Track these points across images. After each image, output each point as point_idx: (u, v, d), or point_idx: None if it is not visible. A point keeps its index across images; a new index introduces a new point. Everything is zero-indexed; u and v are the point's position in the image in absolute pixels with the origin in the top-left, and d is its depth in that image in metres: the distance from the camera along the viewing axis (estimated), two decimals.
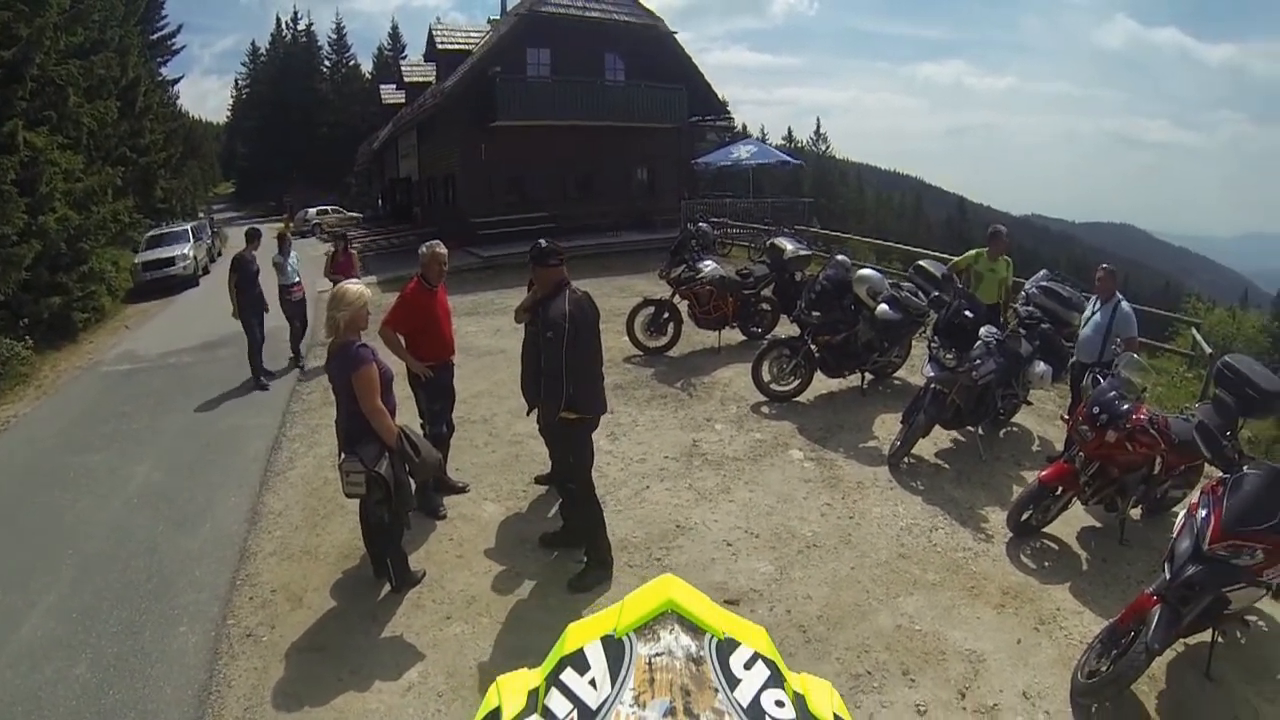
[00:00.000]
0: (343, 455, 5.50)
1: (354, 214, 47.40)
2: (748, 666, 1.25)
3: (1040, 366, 9.10)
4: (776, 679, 1.26)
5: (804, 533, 7.06)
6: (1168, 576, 5.27)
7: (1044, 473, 7.18)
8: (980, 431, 9.14)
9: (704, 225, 13.54)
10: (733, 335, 12.19)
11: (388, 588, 6.13)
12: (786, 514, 7.36)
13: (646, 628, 1.27)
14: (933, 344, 8.53)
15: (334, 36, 75.21)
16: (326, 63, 74.59)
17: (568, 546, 6.53)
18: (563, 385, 5.58)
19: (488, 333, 13.14)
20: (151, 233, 26.56)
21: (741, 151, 26.13)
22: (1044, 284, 10.11)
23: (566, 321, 5.53)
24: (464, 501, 7.52)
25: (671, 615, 1.29)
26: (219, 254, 31.15)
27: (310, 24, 75.97)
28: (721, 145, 29.87)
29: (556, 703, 1.21)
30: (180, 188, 40.50)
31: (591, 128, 26.65)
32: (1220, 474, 5.87)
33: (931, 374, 8.37)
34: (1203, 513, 5.38)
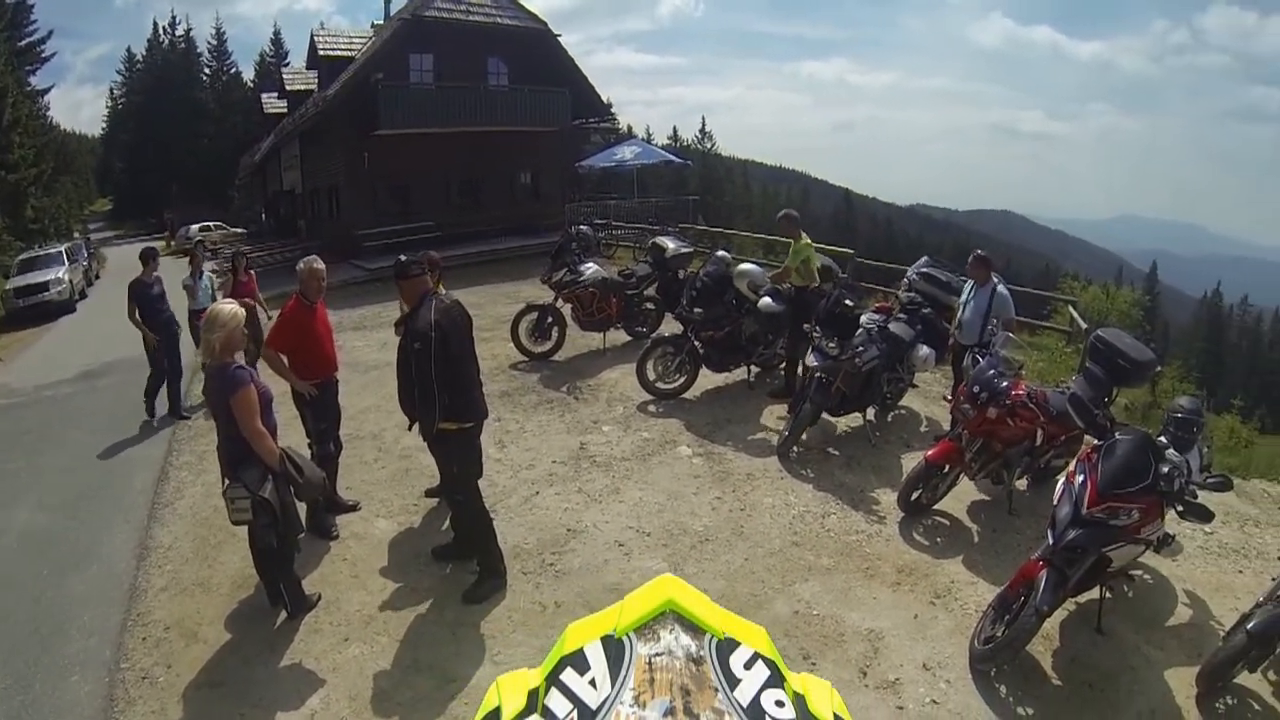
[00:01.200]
0: (226, 482, 5.35)
1: (238, 230, 45.95)
2: (748, 666, 1.24)
3: (923, 350, 9.32)
4: (776, 679, 1.24)
5: (696, 528, 7.06)
6: (1051, 542, 5.52)
7: (930, 452, 7.36)
8: (870, 417, 9.29)
9: (584, 228, 13.54)
10: (618, 336, 12.17)
11: (284, 614, 5.95)
12: (677, 510, 7.36)
13: (646, 627, 1.26)
14: (815, 334, 8.61)
15: (214, 43, 71.27)
16: (206, 70, 70.79)
17: (461, 558, 6.44)
18: (437, 396, 5.50)
19: (374, 346, 12.87)
20: (23, 256, 25.61)
21: (625, 152, 26.17)
22: (924, 270, 10.37)
23: (434, 330, 5.46)
24: (356, 520, 7.36)
25: (671, 615, 1.28)
26: (96, 277, 30.08)
27: (189, 29, 71.69)
28: (606, 147, 29.85)
29: (556, 703, 1.20)
30: (53, 206, 38.85)
31: (476, 133, 26.26)
32: (1094, 441, 6.20)
33: (815, 363, 8.44)
34: (1080, 479, 5.65)
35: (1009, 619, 5.50)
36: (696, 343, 9.74)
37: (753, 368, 10.48)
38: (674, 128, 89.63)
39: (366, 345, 13.00)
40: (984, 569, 6.82)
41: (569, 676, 1.24)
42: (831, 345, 8.37)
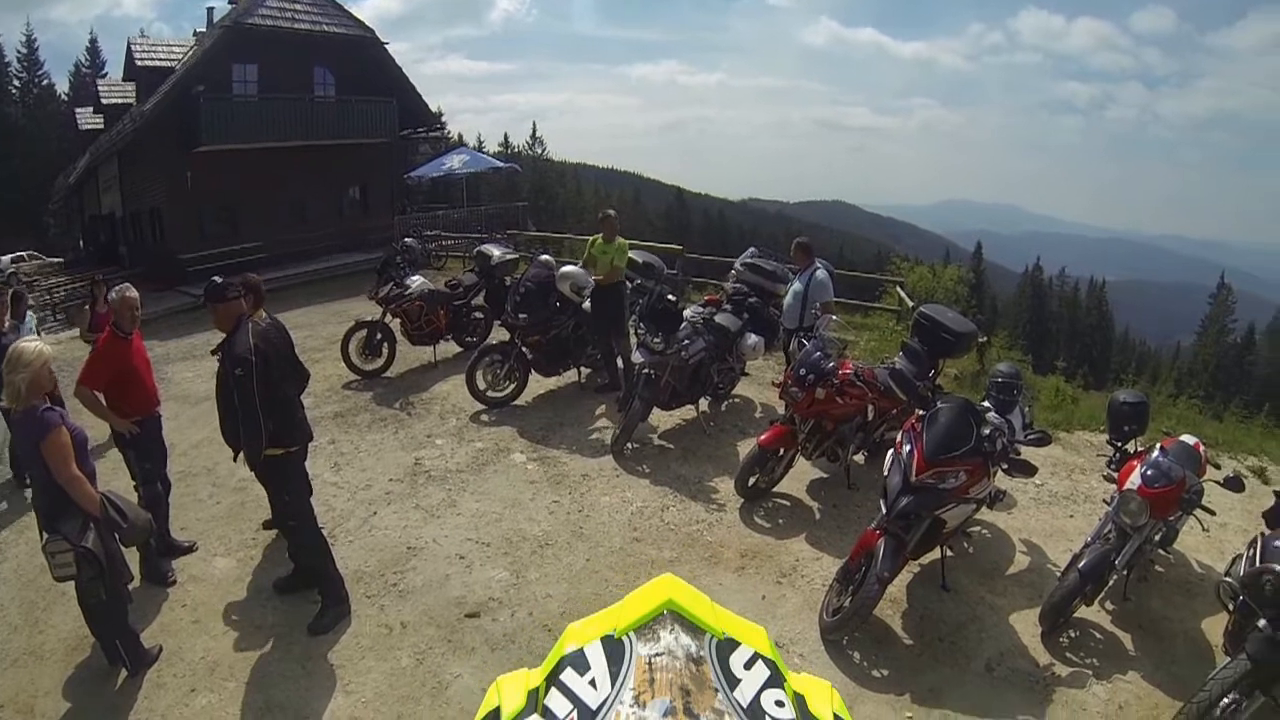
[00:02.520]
0: (45, 535, 4.91)
1: (55, 259, 43.24)
2: (748, 666, 1.26)
3: (752, 338, 9.45)
4: (776, 679, 1.27)
5: (535, 533, 7.01)
6: (885, 511, 5.73)
7: (763, 437, 7.49)
8: (703, 408, 9.39)
9: (410, 241, 13.35)
10: (450, 348, 11.93)
11: (124, 673, 5.50)
12: (516, 518, 7.28)
13: (646, 628, 1.27)
14: (640, 330, 8.63)
15: (24, 51, 64.77)
16: (16, 82, 64.57)
17: (304, 588, 6.16)
18: (261, 422, 5.24)
19: (205, 376, 12.01)
20: None
21: (454, 161, 25.74)
22: (749, 260, 10.55)
23: (254, 355, 5.21)
24: (193, 561, 6.91)
25: (671, 615, 1.29)
26: None
27: None
28: (435, 157, 29.32)
29: (556, 702, 1.21)
30: None
31: (303, 148, 25.20)
32: (918, 411, 6.37)
33: (642, 359, 8.50)
34: (906, 449, 5.88)
35: (854, 589, 5.68)
36: (524, 348, 9.63)
37: (582, 368, 10.45)
38: (505, 134, 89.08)
39: (196, 376, 12.34)
40: (827, 544, 7.06)
41: (569, 676, 1.25)
42: (657, 341, 8.41)
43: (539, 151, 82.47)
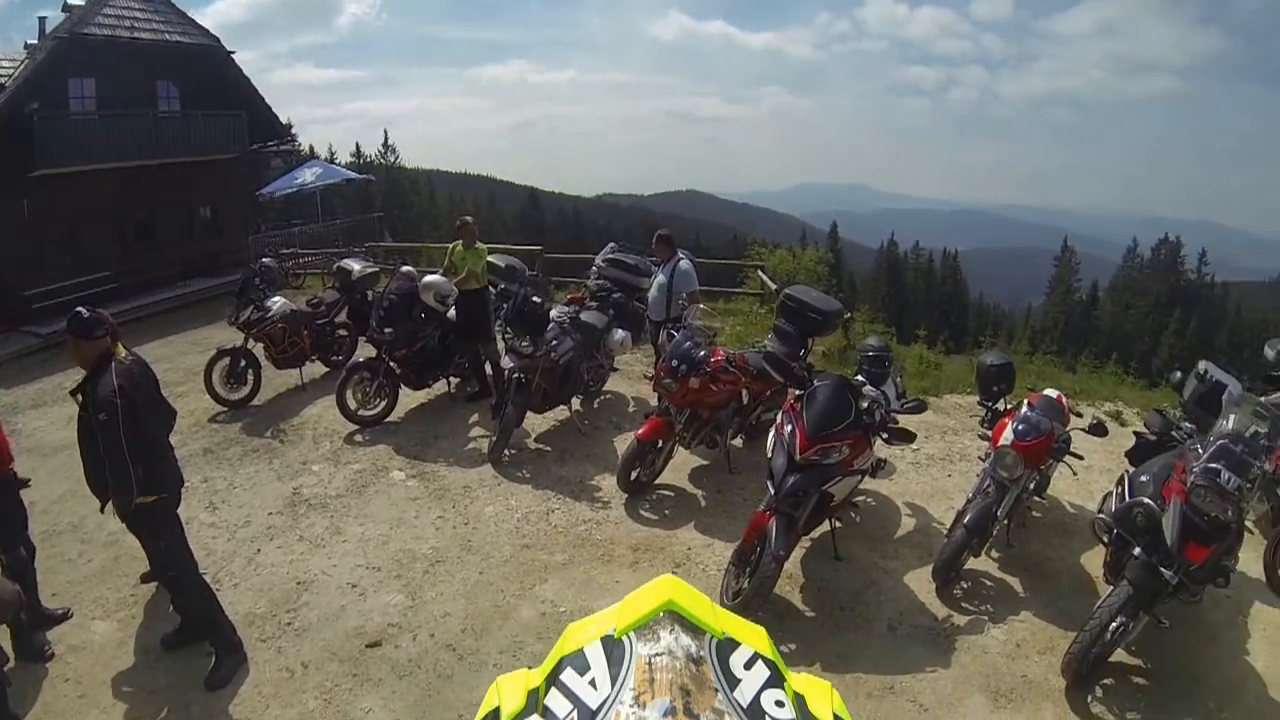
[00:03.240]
0: None
1: None
2: (748, 667, 1.25)
3: (619, 333, 9.54)
4: (776, 679, 1.25)
5: (424, 552, 6.90)
6: (773, 491, 5.88)
7: (640, 430, 7.55)
8: (576, 407, 9.41)
9: (268, 260, 12.85)
10: (317, 369, 11.49)
11: None
12: (403, 538, 7.14)
13: (646, 628, 1.25)
14: (507, 334, 8.58)
15: None
16: None
17: (194, 641, 5.74)
18: (129, 469, 4.86)
19: (60, 423, 11.18)
20: None
21: (307, 174, 24.86)
22: (610, 256, 10.57)
23: (118, 397, 4.82)
24: (70, 629, 6.29)
25: (671, 615, 1.26)
26: None
27: None
28: (287, 171, 28.36)
29: (556, 703, 1.19)
30: None
31: (148, 167, 23.24)
32: (795, 391, 6.62)
33: (511, 364, 8.45)
34: (788, 429, 6.04)
35: (751, 570, 5.84)
36: (391, 363, 9.44)
37: (452, 378, 10.32)
38: (357, 144, 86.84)
39: (50, 424, 11.52)
40: (716, 530, 7.20)
41: (569, 677, 1.24)
42: (525, 344, 8.37)
43: (392, 160, 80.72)
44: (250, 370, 10.44)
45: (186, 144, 24.48)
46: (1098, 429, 6.92)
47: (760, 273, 17.79)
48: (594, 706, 1.16)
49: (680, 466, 8.22)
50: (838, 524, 6.81)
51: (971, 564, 6.72)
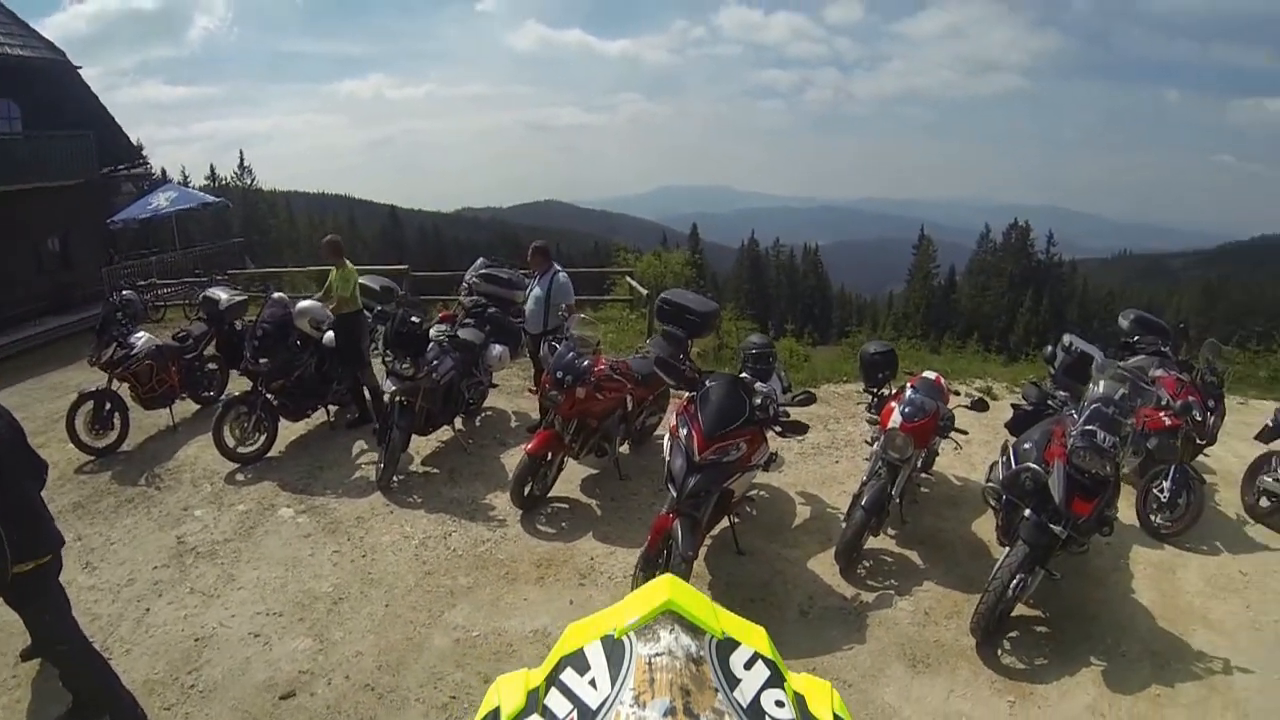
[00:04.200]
0: None
1: None
2: (748, 666, 1.24)
3: (496, 349, 9.52)
4: (776, 679, 1.25)
5: (325, 590, 6.64)
6: (675, 493, 5.95)
7: (530, 445, 7.53)
8: (459, 426, 9.34)
9: (129, 293, 12.16)
10: (188, 407, 10.80)
11: None
12: (301, 578, 6.86)
13: (646, 628, 1.23)
14: (387, 357, 8.42)
15: None
16: None
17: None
18: (4, 536, 4.43)
19: None
20: None
21: (161, 199, 23.17)
22: (483, 271, 10.52)
23: None
24: None
25: (671, 615, 1.24)
26: None
27: None
28: (140, 196, 26.68)
29: (556, 703, 1.18)
30: None
31: None
32: (687, 393, 6.70)
33: (393, 387, 8.29)
34: (684, 431, 6.14)
35: (659, 574, 5.76)
36: (268, 395, 9.06)
37: (331, 407, 10.04)
38: (211, 166, 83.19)
39: None
40: (616, 538, 7.27)
41: (569, 676, 1.23)
42: (405, 366, 8.22)
43: (248, 182, 78.06)
44: (116, 413, 9.72)
45: (31, 168, 22.19)
46: (980, 405, 7.45)
47: (629, 279, 17.90)
48: (594, 706, 1.15)
49: (571, 478, 8.26)
50: (736, 519, 6.94)
51: (871, 543, 7.08)
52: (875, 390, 7.96)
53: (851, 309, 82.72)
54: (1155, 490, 7.91)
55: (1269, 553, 7.78)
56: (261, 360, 8.80)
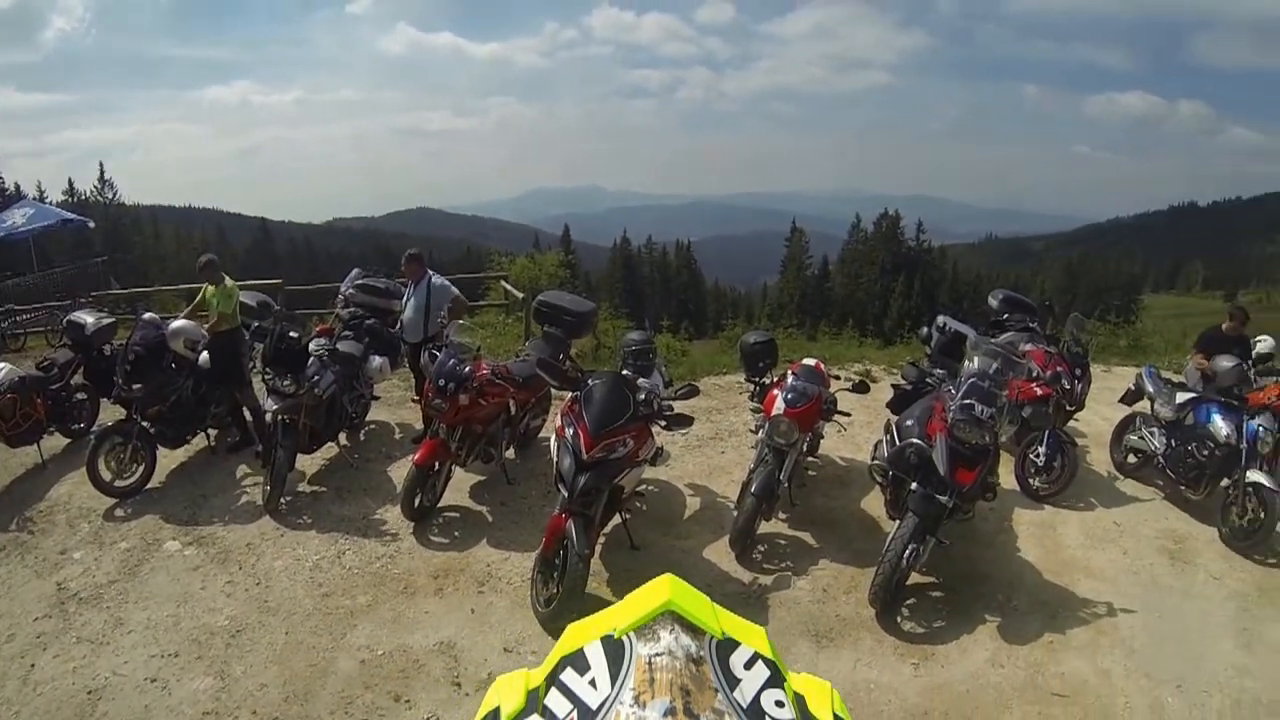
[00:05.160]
0: None
1: None
2: (748, 667, 1.26)
3: (376, 360, 9.37)
4: (776, 679, 1.27)
5: (221, 624, 6.36)
6: (566, 494, 6.05)
7: (417, 456, 7.51)
8: (344, 442, 9.15)
9: None
10: (57, 441, 9.86)
11: None
12: (194, 613, 6.52)
13: (646, 628, 1.24)
14: (266, 375, 8.19)
15: None
16: None
17: None
18: None
19: None
20: None
21: (16, 217, 21.87)
22: (359, 282, 10.36)
23: None
24: None
25: (671, 615, 1.26)
26: None
27: None
28: None
29: (556, 702, 1.20)
30: None
31: None
32: (570, 393, 6.77)
33: (275, 406, 8.07)
34: (570, 431, 6.24)
35: (558, 574, 6.03)
36: (144, 422, 8.50)
37: (210, 431, 9.52)
38: (69, 180, 79.53)
39: None
40: (510, 542, 7.31)
41: (569, 676, 1.24)
42: (286, 383, 8.02)
43: (110, 196, 74.34)
44: None
45: None
46: (861, 387, 7.81)
47: (504, 283, 17.87)
48: (594, 706, 1.17)
49: (460, 486, 8.22)
50: (628, 515, 7.05)
51: (764, 528, 7.31)
52: (757, 379, 8.19)
53: (726, 302, 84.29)
54: (1032, 455, 8.49)
55: (1139, 503, 8.50)
56: (135, 386, 8.31)
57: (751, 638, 1.35)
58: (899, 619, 6.46)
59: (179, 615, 6.52)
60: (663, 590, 1.31)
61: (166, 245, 76.91)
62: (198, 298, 9.28)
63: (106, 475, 8.29)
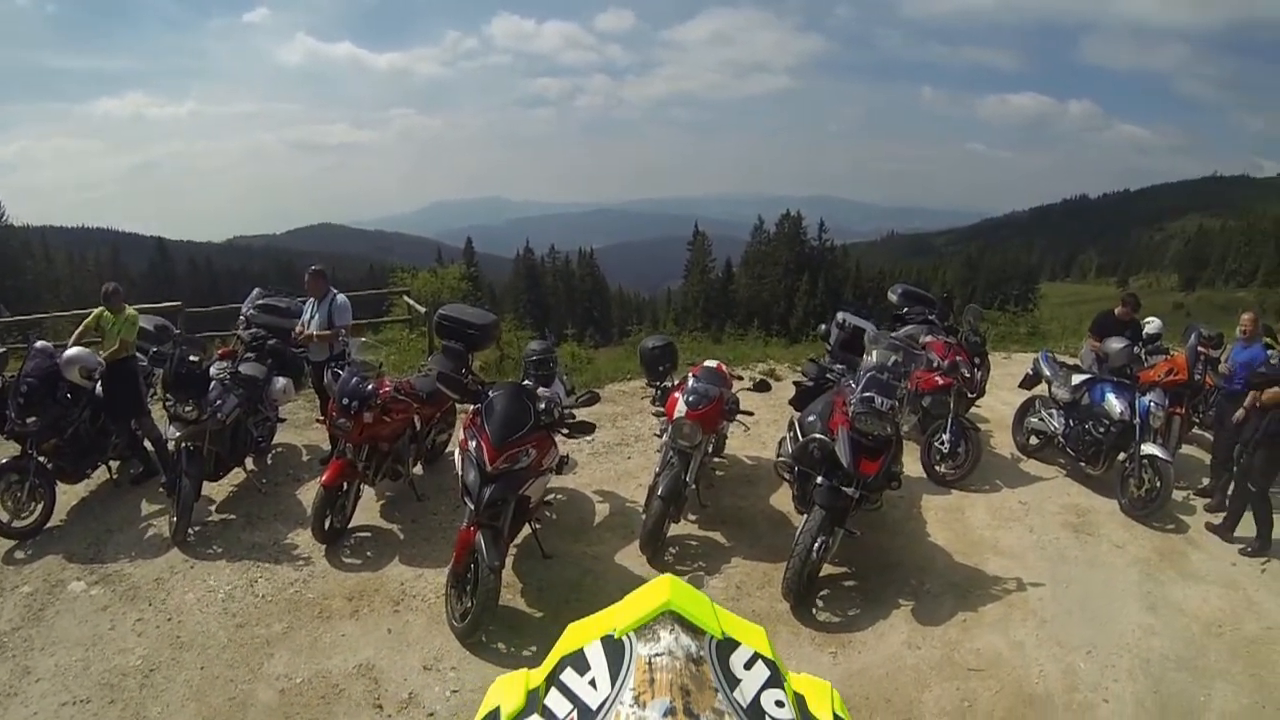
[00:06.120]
0: None
1: None
2: (747, 667, 1.25)
3: (280, 382, 9.26)
4: (776, 679, 1.26)
5: (134, 664, 6.10)
6: (472, 507, 6.06)
7: (324, 477, 7.43)
8: (251, 466, 8.99)
9: None
10: None
11: None
12: (105, 655, 6.24)
13: (646, 628, 1.24)
14: (168, 402, 7.93)
15: None
16: None
17: None
18: None
19: None
20: None
21: None
22: (260, 302, 10.18)
23: None
24: None
25: (671, 615, 1.25)
26: None
27: None
28: None
29: (556, 702, 1.19)
30: None
31: None
32: (470, 406, 6.85)
33: (177, 433, 7.86)
34: (473, 443, 6.27)
35: (471, 588, 6.03)
36: (41, 457, 8.07)
37: (112, 462, 9.05)
38: None
39: None
40: (422, 559, 7.32)
41: (569, 676, 1.24)
42: (188, 409, 7.78)
43: None
44: None
45: None
46: (762, 386, 8.01)
47: (406, 298, 17.79)
48: (594, 706, 1.17)
49: (370, 505, 8.20)
50: (538, 525, 7.11)
51: (675, 530, 7.47)
52: (658, 383, 8.29)
53: (631, 308, 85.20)
54: (937, 443, 8.80)
55: (1042, 482, 8.93)
56: (29, 419, 7.87)
57: (751, 638, 1.36)
58: (814, 610, 6.63)
59: (89, 659, 6.23)
60: (663, 590, 1.33)
61: (60, 268, 74.81)
62: (85, 322, 8.94)
63: (3, 516, 7.85)
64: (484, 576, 5.92)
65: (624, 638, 1.27)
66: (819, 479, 6.58)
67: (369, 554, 7.48)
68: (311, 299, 9.41)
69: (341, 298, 9.39)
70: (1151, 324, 11.09)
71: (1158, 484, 8.19)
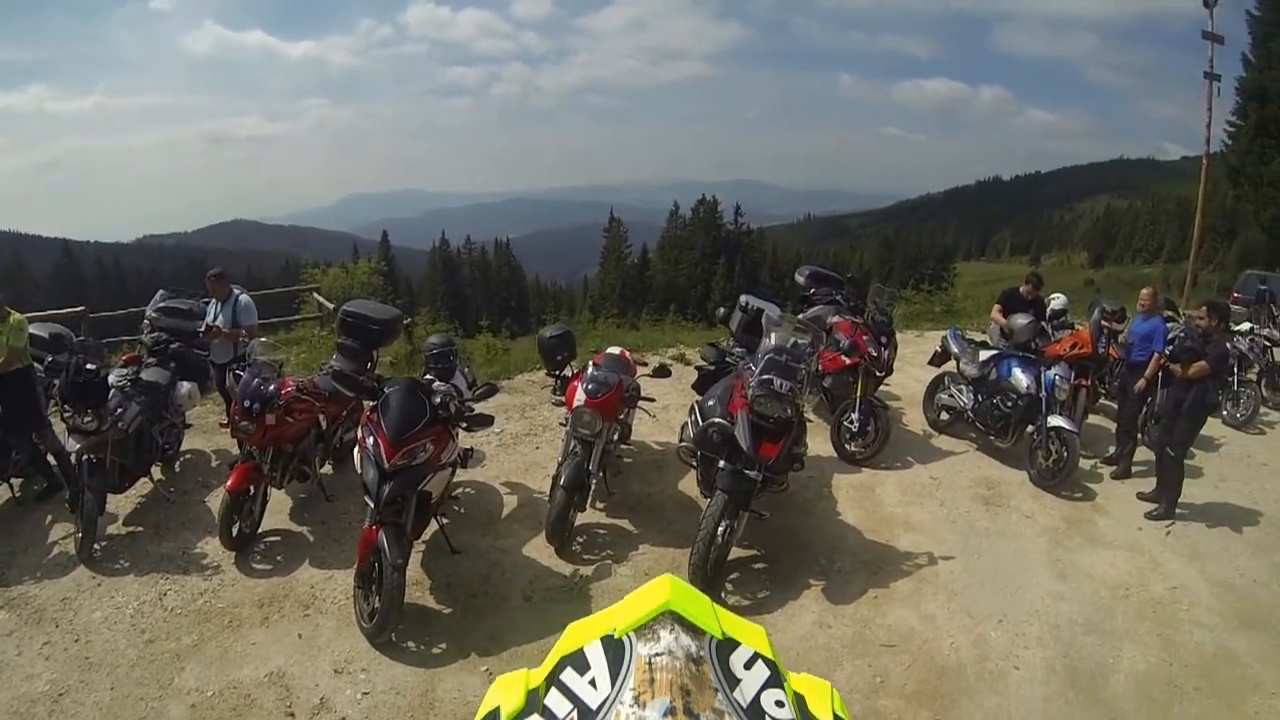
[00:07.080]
0: None
1: None
2: (748, 666, 1.25)
3: (184, 387, 9.04)
4: (776, 679, 1.26)
5: (42, 690, 5.85)
6: (373, 505, 6.06)
7: (229, 483, 7.28)
8: (158, 476, 8.69)
9: None
10: None
11: None
12: (11, 684, 5.93)
13: (646, 627, 1.24)
14: (65, 413, 7.63)
15: None
16: None
17: None
18: None
19: None
20: None
21: None
22: (162, 305, 9.88)
23: None
24: None
25: (671, 615, 1.25)
26: None
27: None
28: None
29: (556, 702, 1.19)
30: None
31: None
32: (369, 404, 6.84)
33: (78, 445, 7.53)
34: (370, 440, 6.23)
35: (376, 587, 6.01)
36: None
37: (13, 480, 8.61)
38: None
39: None
40: (331, 560, 7.24)
41: (569, 676, 1.23)
42: (87, 419, 7.48)
43: None
44: None
45: None
46: (661, 372, 8.05)
47: (316, 295, 17.64)
48: (594, 706, 1.17)
49: (279, 508, 8.05)
50: (444, 520, 7.11)
51: (582, 519, 7.50)
52: (558, 373, 8.34)
53: (548, 297, 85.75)
54: (846, 422, 8.99)
55: (953, 457, 9.17)
56: None
57: (751, 638, 1.36)
58: (723, 594, 6.70)
59: None
60: (662, 590, 1.33)
61: None
62: None
63: None
64: (388, 575, 5.88)
65: (624, 637, 1.27)
66: (721, 463, 6.63)
67: (279, 558, 7.36)
68: (214, 300, 9.26)
69: (245, 297, 9.26)
70: (1057, 300, 11.44)
71: (1064, 454, 8.47)
